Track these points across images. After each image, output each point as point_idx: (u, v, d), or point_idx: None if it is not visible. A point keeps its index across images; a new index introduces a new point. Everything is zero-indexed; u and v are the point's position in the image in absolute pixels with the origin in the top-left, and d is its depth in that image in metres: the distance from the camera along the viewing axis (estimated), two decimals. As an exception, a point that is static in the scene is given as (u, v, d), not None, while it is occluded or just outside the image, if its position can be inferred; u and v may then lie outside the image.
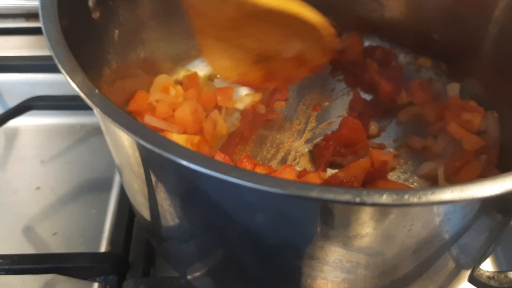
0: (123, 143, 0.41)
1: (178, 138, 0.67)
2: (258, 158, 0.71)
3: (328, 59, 0.69)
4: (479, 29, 0.69)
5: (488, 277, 0.59)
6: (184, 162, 0.32)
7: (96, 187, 0.78)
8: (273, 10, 0.59)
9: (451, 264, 0.48)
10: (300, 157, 0.71)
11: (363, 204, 0.30)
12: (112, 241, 0.69)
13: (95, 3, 0.56)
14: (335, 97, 0.78)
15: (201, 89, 0.75)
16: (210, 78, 0.80)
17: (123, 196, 0.73)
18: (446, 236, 0.38)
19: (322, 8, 0.62)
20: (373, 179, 0.64)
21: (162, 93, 0.72)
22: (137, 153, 0.40)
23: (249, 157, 0.67)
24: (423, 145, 0.70)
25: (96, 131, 0.87)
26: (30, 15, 0.97)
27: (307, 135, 0.74)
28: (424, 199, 0.30)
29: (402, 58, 0.82)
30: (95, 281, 0.64)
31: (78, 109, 0.83)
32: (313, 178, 0.64)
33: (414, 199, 0.30)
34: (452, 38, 0.74)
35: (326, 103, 0.77)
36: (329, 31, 0.63)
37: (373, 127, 0.73)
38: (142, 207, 0.50)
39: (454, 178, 0.65)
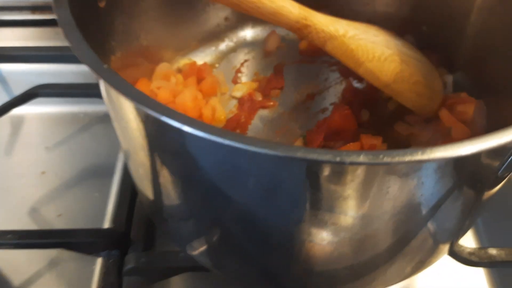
0: (126, 111, 0.44)
1: (178, 122, 0.70)
2: (255, 143, 0.74)
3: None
4: (464, 18, 0.73)
5: (469, 253, 0.63)
6: (186, 128, 0.36)
7: (99, 172, 0.81)
8: None
9: (429, 237, 0.51)
10: (294, 141, 0.74)
11: (342, 163, 0.33)
12: (114, 220, 0.72)
13: (102, -8, 0.60)
14: (329, 85, 0.81)
15: (203, 77, 0.78)
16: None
17: (125, 180, 0.76)
18: (422, 200, 0.42)
19: (315, 2, 0.65)
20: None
21: (163, 80, 0.76)
22: (141, 125, 0.44)
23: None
24: (409, 132, 0.73)
25: (99, 119, 0.90)
26: (36, 7, 1.00)
27: (301, 121, 0.77)
28: (397, 158, 0.33)
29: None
30: (99, 255, 0.67)
31: (83, 96, 0.86)
32: (306, 159, 0.67)
33: (388, 159, 0.33)
34: (440, 30, 0.78)
35: (320, 92, 0.80)
36: None
37: (364, 114, 0.76)
38: (144, 180, 0.54)
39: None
